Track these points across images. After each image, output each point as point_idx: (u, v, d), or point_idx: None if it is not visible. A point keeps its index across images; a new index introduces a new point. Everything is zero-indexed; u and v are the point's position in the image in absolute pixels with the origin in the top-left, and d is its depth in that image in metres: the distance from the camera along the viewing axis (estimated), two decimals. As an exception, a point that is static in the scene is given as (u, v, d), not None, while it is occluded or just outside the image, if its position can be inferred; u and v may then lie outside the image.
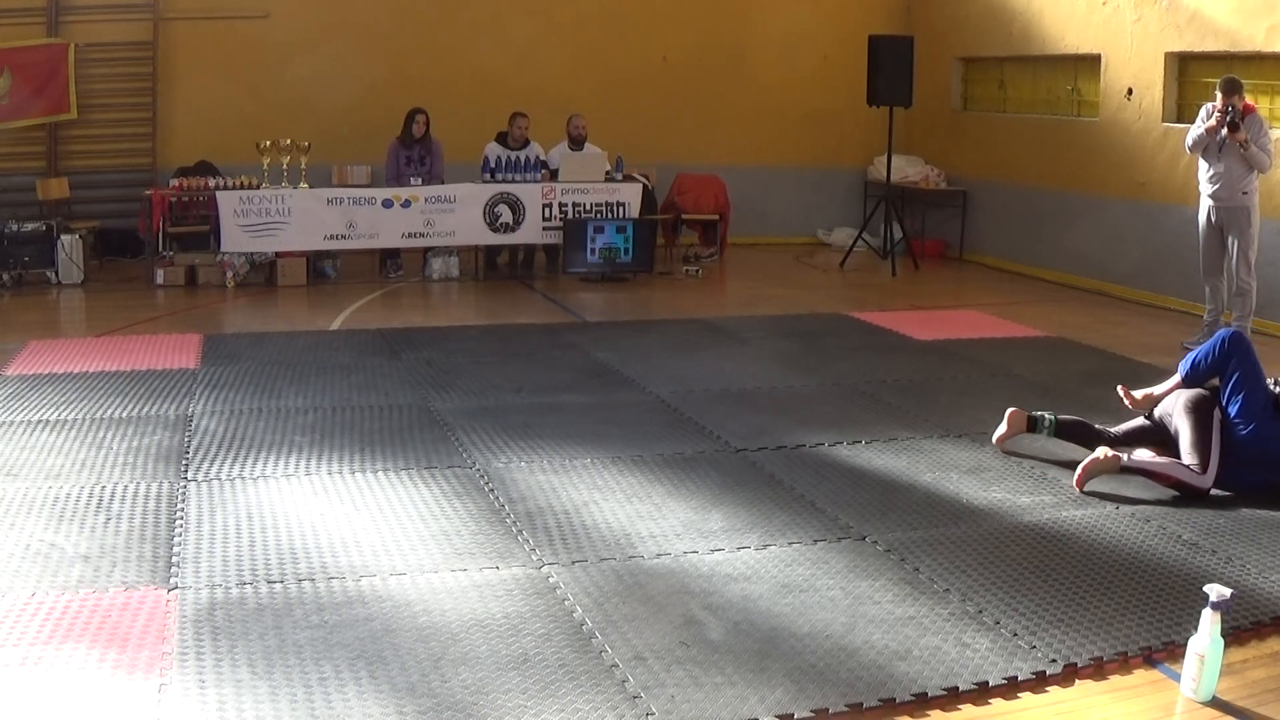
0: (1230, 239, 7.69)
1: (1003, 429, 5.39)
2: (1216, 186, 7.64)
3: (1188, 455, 4.85)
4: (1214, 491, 4.82)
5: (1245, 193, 7.57)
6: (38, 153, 10.40)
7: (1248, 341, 5.01)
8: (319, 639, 3.37)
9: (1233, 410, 4.86)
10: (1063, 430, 5.32)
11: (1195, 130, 7.67)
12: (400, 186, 9.75)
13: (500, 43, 11.31)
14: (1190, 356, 5.10)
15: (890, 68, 10.75)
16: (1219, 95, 7.49)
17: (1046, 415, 5.34)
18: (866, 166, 12.76)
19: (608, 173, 10.24)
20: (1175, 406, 5.04)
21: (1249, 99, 7.82)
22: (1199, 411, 4.91)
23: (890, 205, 11.24)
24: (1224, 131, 7.43)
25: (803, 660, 3.34)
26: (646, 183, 10.54)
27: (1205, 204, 7.78)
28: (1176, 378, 5.13)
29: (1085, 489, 4.85)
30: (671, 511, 4.51)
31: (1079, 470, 4.89)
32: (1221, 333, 5.08)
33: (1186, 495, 4.78)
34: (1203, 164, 7.74)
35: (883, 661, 3.35)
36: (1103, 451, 4.93)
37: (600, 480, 4.85)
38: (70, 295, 9.08)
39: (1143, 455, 4.97)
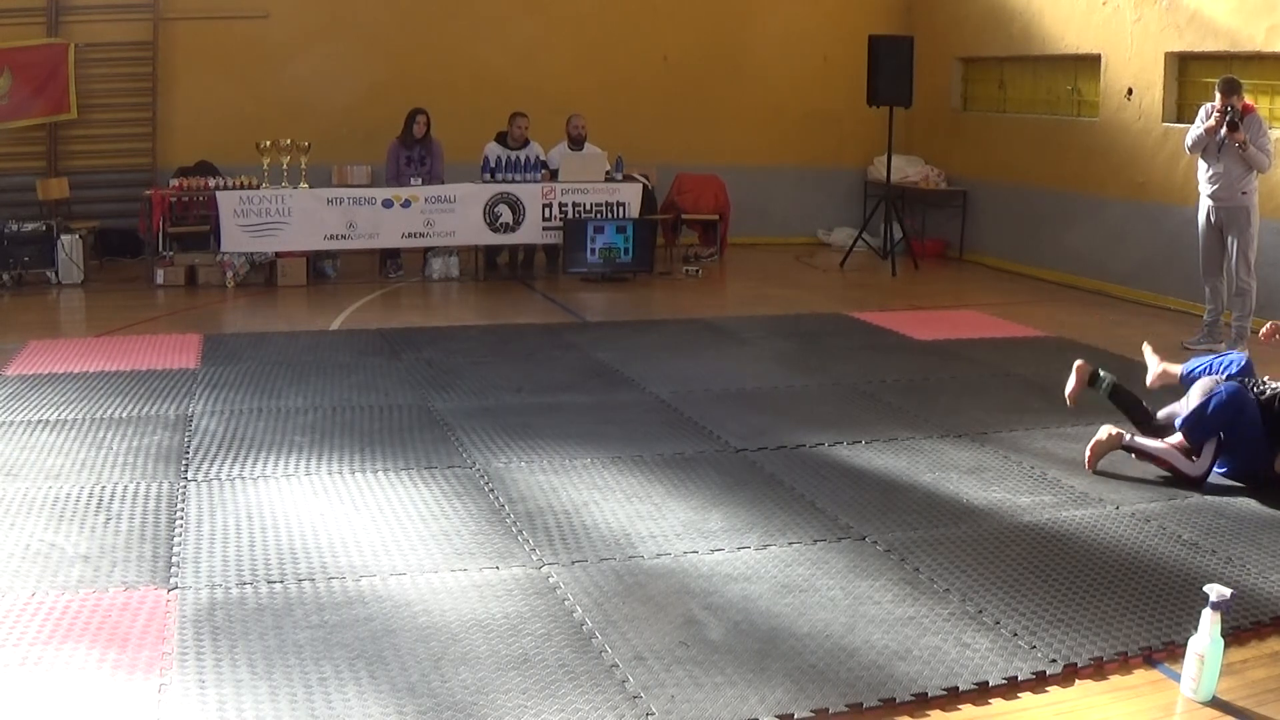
0: (1230, 239, 7.70)
1: (1072, 383, 5.62)
2: (1216, 186, 7.65)
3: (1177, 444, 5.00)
4: (1212, 478, 4.97)
5: (1244, 193, 7.58)
6: (38, 153, 10.40)
7: (1240, 401, 4.87)
8: (319, 639, 3.37)
9: (1228, 464, 4.99)
10: (1116, 394, 5.50)
11: (1194, 131, 7.68)
12: (400, 186, 9.75)
13: (500, 43, 11.31)
14: (1192, 410, 4.96)
15: (890, 68, 10.75)
16: (1218, 95, 7.49)
17: (1107, 376, 5.54)
18: (866, 166, 12.76)
19: (608, 173, 10.24)
20: (1192, 391, 5.10)
21: (1249, 99, 7.83)
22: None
23: (890, 205, 11.24)
24: (1223, 132, 7.43)
25: (803, 660, 3.34)
26: (646, 183, 10.54)
27: (1205, 204, 7.79)
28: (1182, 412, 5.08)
29: (1096, 470, 5.07)
30: (671, 511, 4.51)
31: (1088, 451, 5.10)
32: (1220, 391, 4.90)
33: (1179, 481, 4.94)
34: (1202, 164, 7.75)
35: (883, 661, 3.35)
36: (1105, 431, 5.12)
37: (600, 480, 4.85)
38: (70, 295, 9.08)
39: (1143, 439, 5.13)
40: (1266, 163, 7.52)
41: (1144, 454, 5.05)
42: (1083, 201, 10.30)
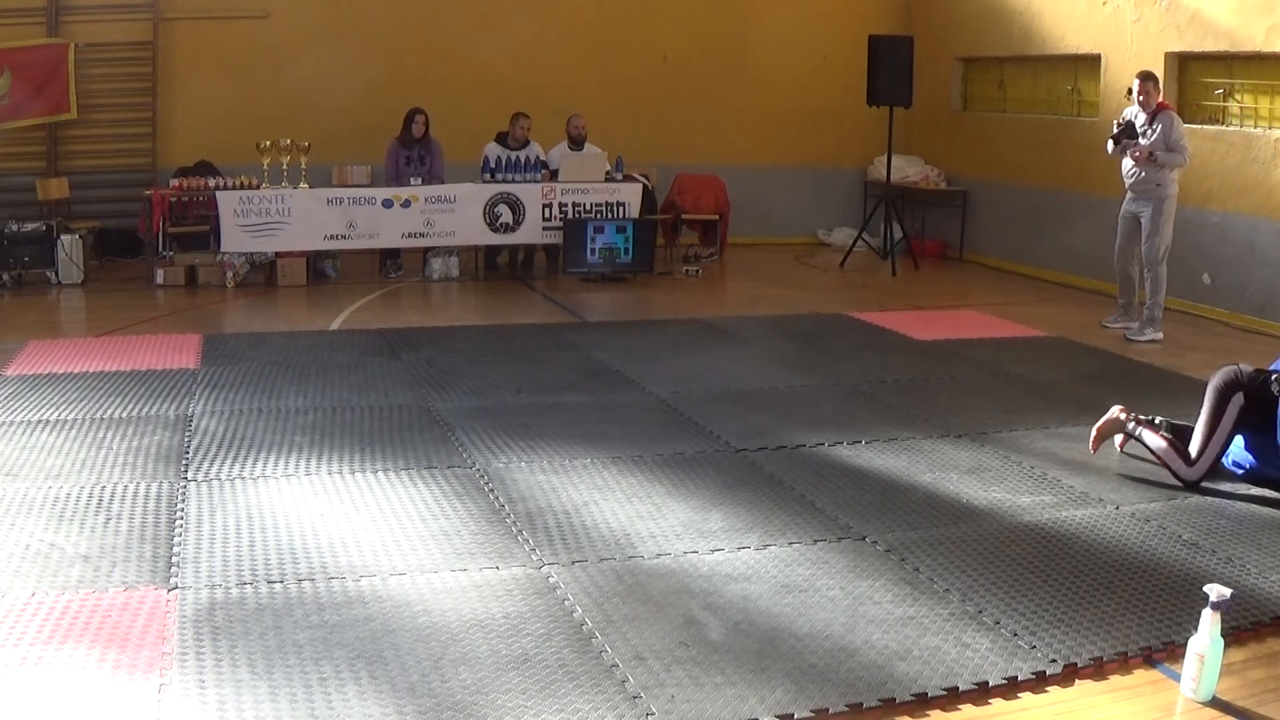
0: (1145, 229, 8.12)
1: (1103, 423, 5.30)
2: (1133, 180, 8.13)
3: (1194, 440, 4.95)
4: (1205, 484, 4.93)
5: (1159, 184, 8.03)
6: (38, 153, 10.40)
7: (1226, 383, 4.91)
8: (319, 639, 3.37)
9: (1258, 466, 4.90)
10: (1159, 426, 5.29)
11: (1109, 142, 8.22)
12: (400, 186, 9.75)
13: (500, 43, 11.31)
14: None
15: (890, 68, 10.75)
16: (1136, 82, 8.00)
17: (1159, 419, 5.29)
18: (866, 166, 12.76)
19: (608, 173, 10.24)
20: (1210, 383, 5.05)
21: (1255, 100, 7.93)
22: (1219, 396, 4.90)
23: (890, 205, 11.24)
24: (1132, 140, 7.97)
25: (803, 660, 3.34)
26: (646, 183, 10.54)
27: (1126, 195, 8.27)
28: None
29: (1096, 451, 5.15)
30: (671, 511, 4.51)
31: (1093, 431, 5.15)
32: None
33: (1176, 479, 4.95)
34: (1125, 161, 8.17)
35: (883, 661, 3.35)
36: (1114, 411, 5.11)
37: (600, 480, 4.85)
38: (70, 295, 9.07)
39: (1146, 432, 5.09)
40: (1183, 159, 7.97)
41: (1143, 444, 5.08)
42: (1083, 201, 10.29)
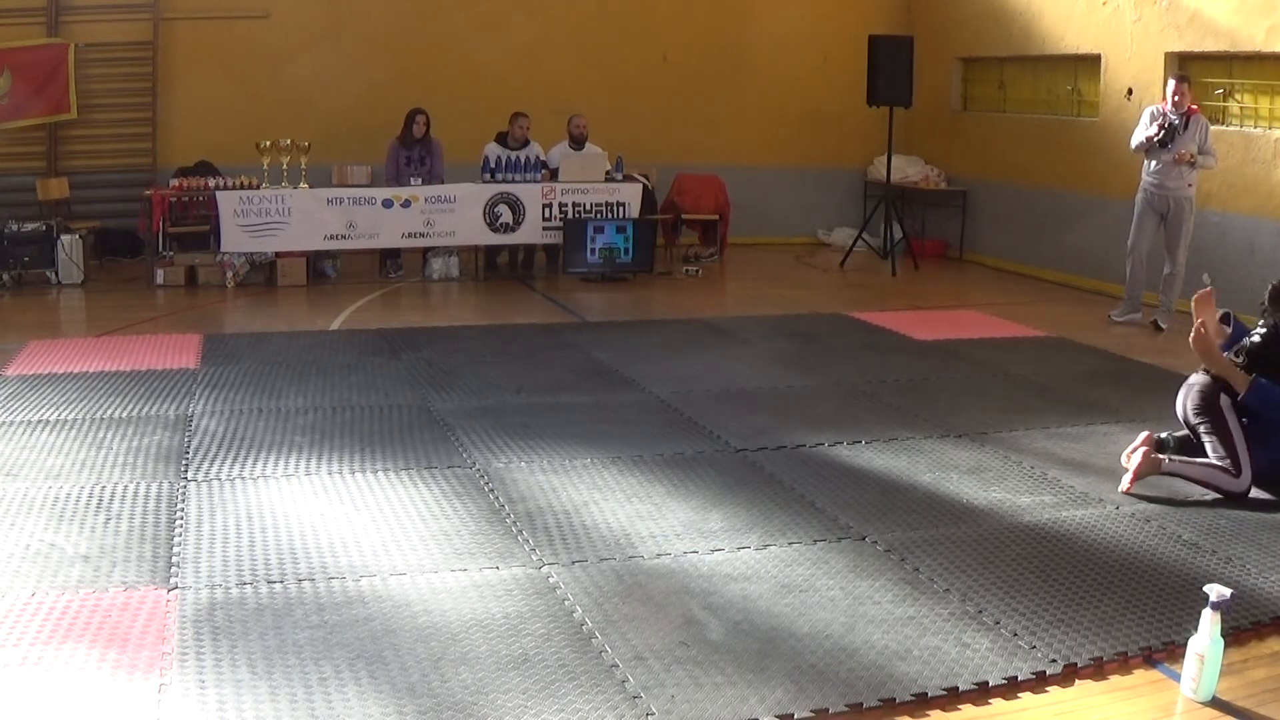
0: (1168, 226, 8.33)
1: (1138, 458, 5.14)
2: (1165, 177, 8.24)
3: (1217, 460, 4.82)
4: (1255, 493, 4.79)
5: (1190, 185, 8.23)
6: (38, 153, 10.39)
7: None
8: (319, 639, 3.37)
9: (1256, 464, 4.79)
10: (1180, 447, 5.16)
11: (1139, 136, 8.30)
12: (400, 186, 9.75)
13: (500, 43, 11.31)
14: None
15: (890, 68, 10.75)
16: (1172, 83, 8.11)
17: (1171, 437, 5.20)
18: (866, 166, 12.76)
19: (608, 173, 10.24)
20: (1184, 409, 5.00)
21: (1255, 100, 7.98)
22: (1209, 410, 4.85)
23: (890, 205, 11.24)
24: (1171, 144, 8.09)
25: (803, 660, 3.34)
26: (646, 183, 10.54)
27: (1148, 191, 8.39)
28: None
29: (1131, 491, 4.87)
30: (671, 511, 4.51)
31: (1128, 478, 4.88)
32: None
33: (1226, 498, 4.75)
34: (1150, 160, 8.31)
35: (883, 661, 3.35)
36: (1145, 454, 4.92)
37: (600, 480, 4.85)
38: (70, 295, 9.07)
39: (1183, 463, 4.90)
40: (1214, 162, 8.19)
41: (1185, 477, 4.86)
42: (1083, 201, 10.30)
